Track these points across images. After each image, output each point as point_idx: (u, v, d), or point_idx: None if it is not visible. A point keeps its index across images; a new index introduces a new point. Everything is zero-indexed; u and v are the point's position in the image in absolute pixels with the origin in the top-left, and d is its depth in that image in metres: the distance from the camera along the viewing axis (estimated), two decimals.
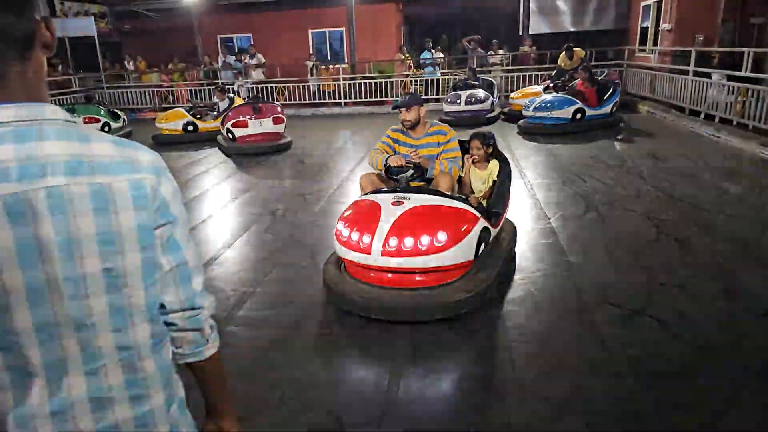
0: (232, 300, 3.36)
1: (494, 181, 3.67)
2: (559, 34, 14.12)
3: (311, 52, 14.26)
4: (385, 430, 2.16)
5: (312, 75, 13.20)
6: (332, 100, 13.03)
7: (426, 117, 3.69)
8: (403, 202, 3.07)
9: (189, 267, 0.92)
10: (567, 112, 8.24)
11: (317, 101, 13.10)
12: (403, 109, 3.60)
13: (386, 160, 3.47)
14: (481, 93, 9.84)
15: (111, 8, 15.62)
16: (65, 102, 11.70)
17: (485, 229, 3.15)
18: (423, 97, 12.56)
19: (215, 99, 9.85)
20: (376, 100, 12.62)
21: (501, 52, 13.38)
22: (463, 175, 3.71)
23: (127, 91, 13.90)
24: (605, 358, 2.58)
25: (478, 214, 3.12)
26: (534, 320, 2.97)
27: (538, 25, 14.26)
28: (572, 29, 14.21)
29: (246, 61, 13.05)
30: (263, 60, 13.18)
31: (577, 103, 8.24)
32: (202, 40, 14.91)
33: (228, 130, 8.24)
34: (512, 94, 10.71)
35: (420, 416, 2.26)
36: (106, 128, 9.81)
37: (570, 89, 8.71)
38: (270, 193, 5.93)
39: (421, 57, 13.10)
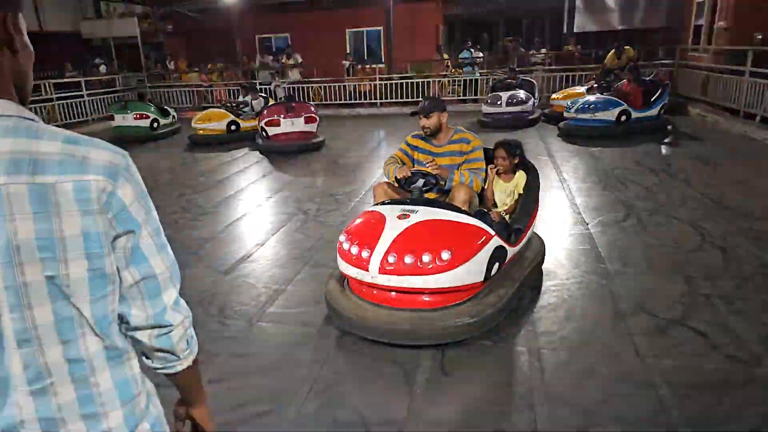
0: (263, 297, 3.49)
1: (520, 195, 3.47)
2: (605, 32, 13.85)
3: (348, 51, 14.47)
4: (410, 431, 2.23)
5: (348, 75, 13.39)
6: (368, 101, 13.18)
7: (449, 123, 3.53)
8: (409, 216, 2.90)
9: (158, 279, 0.85)
10: (611, 114, 8.08)
11: (353, 101, 13.28)
12: (422, 116, 3.43)
13: (396, 171, 3.37)
14: (522, 94, 9.76)
15: (155, 9, 16.31)
16: (113, 100, 12.28)
17: (500, 248, 2.96)
18: (461, 97, 12.64)
19: (241, 97, 10.16)
20: (413, 100, 12.67)
21: (543, 51, 13.25)
22: (486, 187, 3.50)
23: (168, 91, 14.47)
24: (639, 367, 2.56)
25: (492, 232, 2.92)
26: (566, 327, 2.97)
27: (583, 23, 14.02)
28: (620, 27, 13.90)
29: (283, 61, 13.37)
30: (300, 60, 13.47)
31: (622, 104, 8.07)
32: (242, 40, 15.37)
33: (262, 128, 8.59)
34: (554, 95, 10.57)
35: (445, 418, 2.31)
36: (155, 124, 10.38)
37: (615, 90, 8.54)
38: (303, 192, 6.08)
39: (460, 56, 13.11)
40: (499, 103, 9.68)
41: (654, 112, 8.28)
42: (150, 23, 16.21)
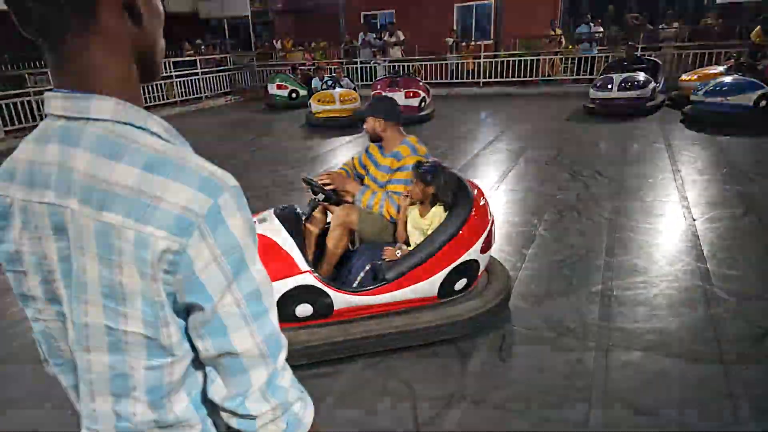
0: None
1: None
2: (757, 2, 12.39)
3: (453, 28, 14.39)
4: (453, 408, 2.35)
5: (452, 53, 13.34)
6: (472, 79, 13.06)
7: (397, 132, 3.04)
8: (264, 222, 2.81)
9: (241, 358, 0.68)
10: (748, 98, 7.31)
11: (455, 80, 13.24)
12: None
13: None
14: (641, 76, 8.82)
15: None
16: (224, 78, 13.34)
17: (311, 289, 2.59)
18: (572, 77, 12.05)
19: (317, 80, 10.98)
20: (519, 79, 12.36)
21: (676, 24, 12.18)
22: (401, 217, 2.93)
23: (273, 70, 15.43)
24: (720, 376, 2.45)
25: (305, 267, 2.58)
26: (645, 327, 2.88)
27: None
28: None
29: (385, 38, 13.64)
30: (402, 38, 13.66)
31: (764, 87, 7.26)
32: (347, 18, 15.86)
33: None
34: (684, 76, 9.67)
35: (491, 400, 2.39)
36: (294, 94, 11.70)
37: (759, 71, 7.68)
38: None
39: (577, 31, 12.49)
40: (609, 86, 8.73)
41: None
42: (261, 2, 17.30)
